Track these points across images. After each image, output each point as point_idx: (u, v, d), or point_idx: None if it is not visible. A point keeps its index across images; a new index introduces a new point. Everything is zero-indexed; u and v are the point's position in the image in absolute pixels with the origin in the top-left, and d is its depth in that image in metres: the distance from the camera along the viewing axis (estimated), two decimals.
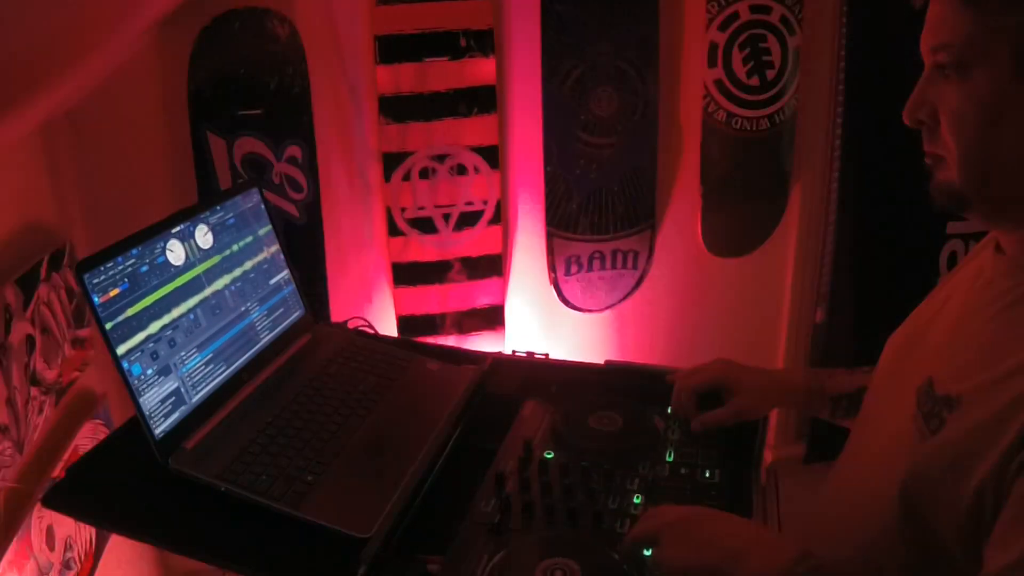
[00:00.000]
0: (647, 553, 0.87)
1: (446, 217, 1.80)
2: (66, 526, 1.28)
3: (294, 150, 1.67)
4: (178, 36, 1.57)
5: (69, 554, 1.29)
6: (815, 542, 0.96)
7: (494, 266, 1.86)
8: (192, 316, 1.08)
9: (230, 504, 0.96)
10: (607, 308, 1.96)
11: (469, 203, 1.80)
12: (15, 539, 1.13)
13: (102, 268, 0.97)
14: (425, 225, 1.80)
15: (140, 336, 0.99)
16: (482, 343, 1.86)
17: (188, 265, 1.09)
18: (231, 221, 1.19)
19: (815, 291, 2.02)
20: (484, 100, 1.74)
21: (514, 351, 1.31)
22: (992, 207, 0.80)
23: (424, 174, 1.76)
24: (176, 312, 1.06)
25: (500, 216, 1.83)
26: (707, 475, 1.04)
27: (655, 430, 1.13)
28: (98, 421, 1.44)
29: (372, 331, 1.39)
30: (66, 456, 1.30)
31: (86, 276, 0.95)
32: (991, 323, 0.79)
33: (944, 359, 0.82)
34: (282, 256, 1.29)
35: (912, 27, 0.84)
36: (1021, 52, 0.72)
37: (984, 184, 0.77)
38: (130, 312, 0.99)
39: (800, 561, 0.76)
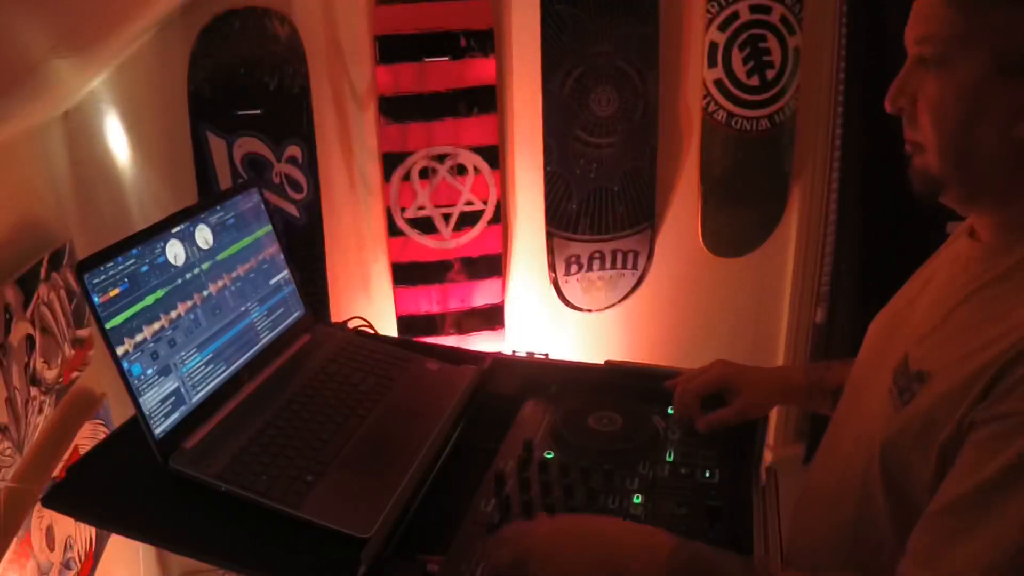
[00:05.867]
0: None
1: (446, 217, 1.80)
2: (66, 526, 1.28)
3: (294, 150, 1.67)
4: (178, 36, 1.57)
5: (69, 554, 1.29)
6: (805, 519, 0.98)
7: (494, 266, 1.86)
8: (192, 316, 1.08)
9: (230, 504, 0.96)
10: (607, 308, 1.96)
11: (469, 203, 1.80)
12: (15, 539, 1.13)
13: (102, 268, 0.96)
14: (425, 225, 1.80)
15: (140, 336, 0.99)
16: (482, 343, 1.86)
17: (188, 265, 1.09)
18: (231, 221, 1.19)
19: (815, 291, 2.02)
20: (484, 100, 1.74)
21: (514, 351, 1.31)
22: (967, 193, 0.82)
23: (424, 174, 1.76)
24: (176, 312, 1.06)
25: (500, 216, 1.83)
26: (707, 475, 1.04)
27: (655, 430, 1.13)
28: (98, 421, 1.44)
29: (372, 331, 1.38)
30: (66, 456, 1.30)
31: (86, 276, 0.95)
32: (964, 305, 0.82)
33: (919, 339, 0.85)
34: (282, 256, 1.29)
35: None
36: (1001, 48, 0.74)
37: (960, 171, 0.80)
38: (130, 312, 0.99)
39: (674, 556, 0.80)
